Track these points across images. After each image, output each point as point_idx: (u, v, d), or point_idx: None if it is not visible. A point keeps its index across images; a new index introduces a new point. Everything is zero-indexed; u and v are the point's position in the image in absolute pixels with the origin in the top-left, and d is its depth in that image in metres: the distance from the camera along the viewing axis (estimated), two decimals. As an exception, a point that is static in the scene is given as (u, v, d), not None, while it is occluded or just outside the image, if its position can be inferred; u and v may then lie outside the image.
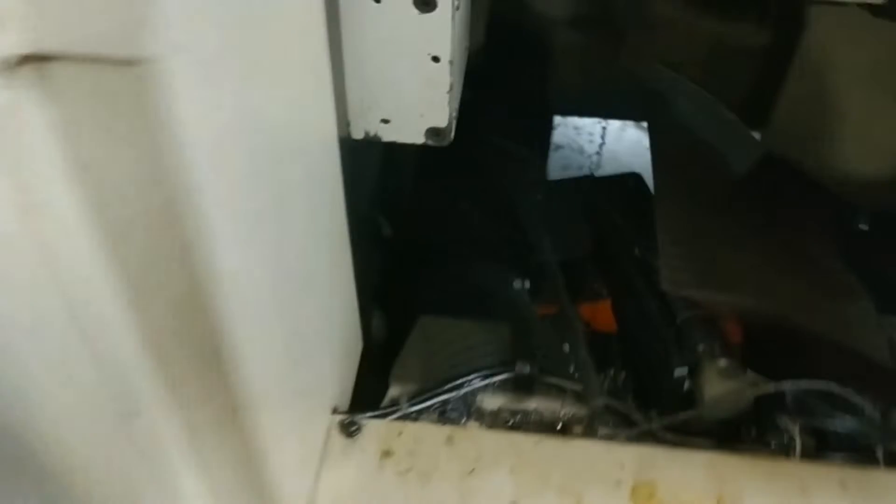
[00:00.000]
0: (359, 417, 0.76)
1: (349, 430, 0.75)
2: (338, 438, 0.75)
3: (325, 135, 0.66)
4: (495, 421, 0.79)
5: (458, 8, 0.66)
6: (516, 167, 1.08)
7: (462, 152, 0.79)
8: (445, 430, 0.75)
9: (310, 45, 0.59)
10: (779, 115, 1.07)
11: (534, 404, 0.81)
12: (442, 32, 0.66)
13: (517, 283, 0.92)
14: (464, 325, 0.87)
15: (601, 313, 0.95)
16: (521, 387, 0.82)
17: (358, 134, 0.73)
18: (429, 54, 0.68)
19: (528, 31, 1.16)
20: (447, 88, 0.70)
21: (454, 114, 0.74)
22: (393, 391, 0.82)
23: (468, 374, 0.80)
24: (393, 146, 0.74)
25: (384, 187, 0.99)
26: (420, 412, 0.79)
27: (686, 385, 0.83)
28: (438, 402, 0.79)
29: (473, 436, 0.75)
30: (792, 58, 1.02)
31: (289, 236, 0.57)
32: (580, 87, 1.23)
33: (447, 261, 0.98)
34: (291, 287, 0.59)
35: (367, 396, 0.82)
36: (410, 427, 0.75)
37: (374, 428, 0.75)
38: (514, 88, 1.18)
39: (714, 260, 0.88)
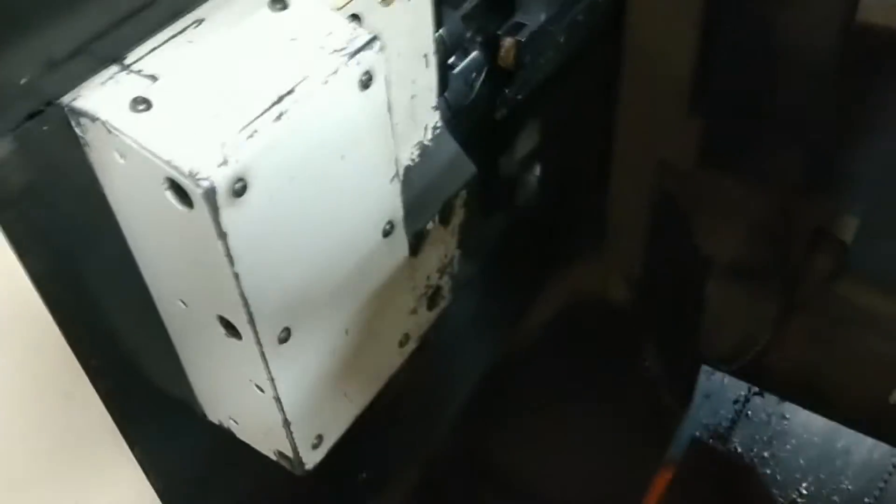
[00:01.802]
0: None
1: None
2: None
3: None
4: None
5: (284, 341, 0.50)
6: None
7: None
8: None
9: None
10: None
11: None
12: (256, 362, 0.50)
13: None
14: None
15: None
16: None
17: (213, 419, 0.60)
18: (251, 381, 0.52)
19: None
20: (280, 422, 0.54)
21: (312, 441, 0.57)
22: None
23: None
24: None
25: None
26: None
27: None
28: None
29: None
30: None
31: None
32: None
33: None
34: None
35: None
36: None
37: None
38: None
39: None
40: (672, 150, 1.10)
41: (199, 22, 0.47)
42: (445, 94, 0.67)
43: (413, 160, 0.62)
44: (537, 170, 0.99)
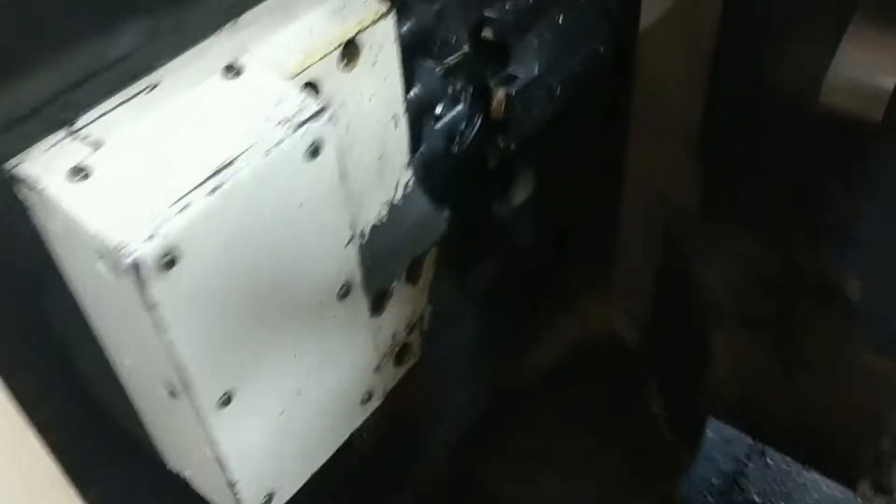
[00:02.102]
0: None
1: None
2: None
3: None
4: None
5: (225, 404, 0.50)
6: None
7: None
8: None
9: None
10: None
11: None
12: (197, 424, 0.50)
13: None
14: None
15: None
16: None
17: (173, 468, 0.60)
18: (196, 440, 0.52)
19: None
20: (224, 482, 0.54)
21: (262, 500, 0.57)
22: None
23: None
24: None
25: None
26: None
27: None
28: None
29: None
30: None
31: None
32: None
33: None
34: None
35: None
36: None
37: None
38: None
39: None
40: (679, 194, 1.08)
41: (154, 86, 0.48)
42: (422, 148, 0.66)
43: (380, 220, 0.62)
44: (539, 212, 0.98)
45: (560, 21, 0.78)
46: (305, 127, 0.46)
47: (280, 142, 0.46)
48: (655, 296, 1.25)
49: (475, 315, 1.03)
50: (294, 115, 0.47)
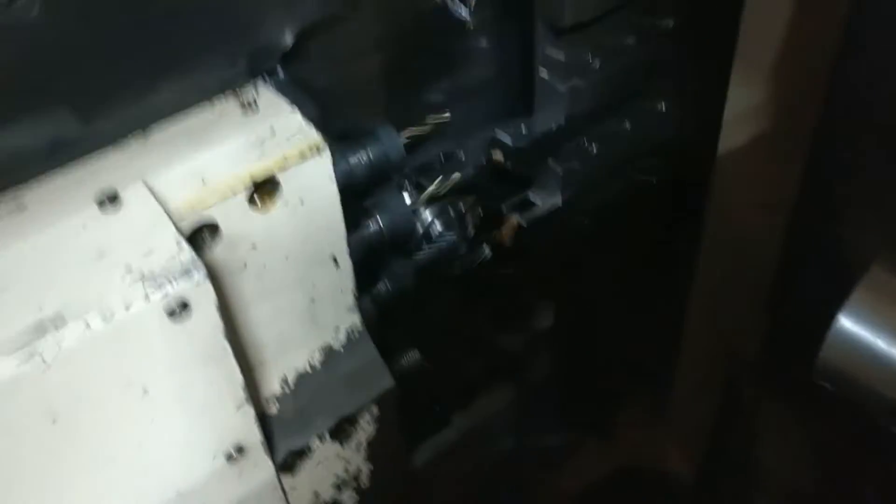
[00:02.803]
0: None
1: None
2: None
3: None
4: None
5: None
6: None
7: None
8: None
9: None
10: None
11: None
12: None
13: None
14: None
15: None
16: None
17: None
18: None
19: None
20: None
21: None
22: None
23: None
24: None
25: None
26: None
27: None
28: None
29: None
30: None
31: None
32: None
33: None
34: None
35: None
36: None
37: None
38: None
39: None
40: (743, 346, 0.95)
41: (21, 209, 0.42)
42: (383, 287, 0.58)
43: (311, 366, 0.53)
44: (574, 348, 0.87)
45: (593, 148, 0.67)
46: (168, 288, 0.39)
47: (129, 304, 0.38)
48: (710, 441, 1.10)
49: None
50: (158, 271, 0.39)
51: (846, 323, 0.44)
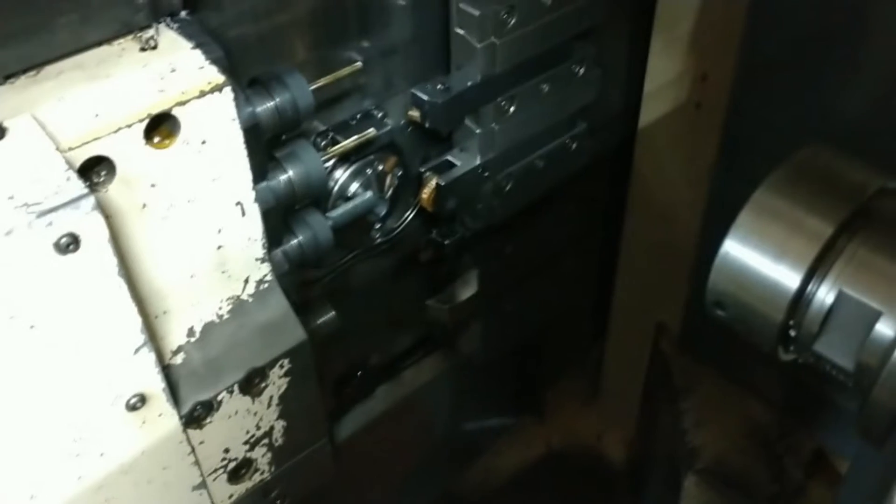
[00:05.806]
0: None
1: None
2: None
3: None
4: None
5: None
6: None
7: None
8: None
9: None
10: None
11: None
12: None
13: None
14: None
15: None
16: None
17: None
18: None
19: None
20: None
21: None
22: None
23: None
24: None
25: None
26: None
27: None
28: None
29: None
30: None
31: None
32: None
33: None
34: None
35: None
36: None
37: None
38: None
39: None
40: (671, 318, 0.96)
41: None
42: (300, 239, 0.57)
43: (219, 317, 0.52)
44: (494, 313, 0.87)
45: (511, 109, 0.67)
46: (52, 216, 0.38)
47: (9, 231, 0.37)
48: (638, 419, 1.12)
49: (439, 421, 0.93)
50: (43, 200, 0.38)
51: (732, 247, 0.45)
